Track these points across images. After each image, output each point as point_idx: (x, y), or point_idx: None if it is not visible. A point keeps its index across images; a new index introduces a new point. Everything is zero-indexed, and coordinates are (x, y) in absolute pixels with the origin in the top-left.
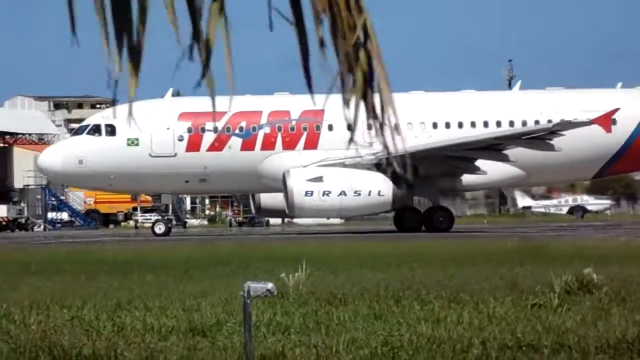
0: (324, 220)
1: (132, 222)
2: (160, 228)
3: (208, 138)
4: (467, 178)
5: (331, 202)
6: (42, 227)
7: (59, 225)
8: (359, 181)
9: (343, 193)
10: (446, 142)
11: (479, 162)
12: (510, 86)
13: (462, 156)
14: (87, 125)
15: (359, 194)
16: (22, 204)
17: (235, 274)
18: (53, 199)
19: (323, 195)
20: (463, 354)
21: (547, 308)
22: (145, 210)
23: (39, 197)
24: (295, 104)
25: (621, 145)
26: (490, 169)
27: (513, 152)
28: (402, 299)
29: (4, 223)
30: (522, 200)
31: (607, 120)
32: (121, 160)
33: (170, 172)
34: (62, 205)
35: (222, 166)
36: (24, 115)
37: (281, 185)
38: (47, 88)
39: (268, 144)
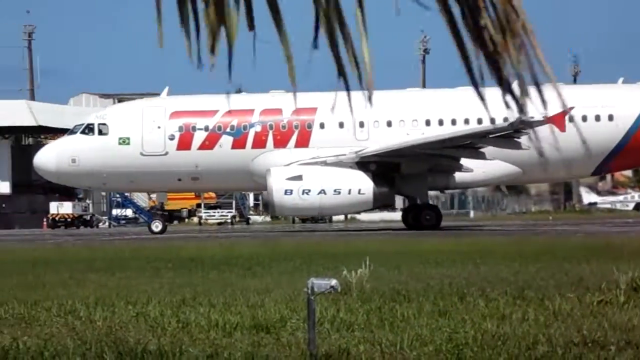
0: (387, 216)
1: (195, 219)
2: (157, 226)
3: (199, 137)
4: (460, 176)
5: (311, 200)
6: (106, 223)
7: (124, 222)
8: (338, 179)
9: (323, 192)
10: (420, 140)
11: (469, 161)
12: (575, 81)
13: (442, 154)
14: (82, 125)
15: (339, 193)
16: (87, 201)
17: (298, 270)
18: (117, 195)
19: (302, 193)
20: (528, 351)
21: (613, 305)
22: (209, 207)
23: (103, 194)
24: (288, 102)
25: (619, 141)
26: (485, 167)
27: (505, 150)
28: (467, 295)
29: (69, 220)
30: (588, 197)
31: (561, 119)
32: (113, 159)
33: (161, 171)
34: (126, 202)
35: (214, 164)
36: (87, 112)
37: None
38: (112, 85)
39: (259, 142)
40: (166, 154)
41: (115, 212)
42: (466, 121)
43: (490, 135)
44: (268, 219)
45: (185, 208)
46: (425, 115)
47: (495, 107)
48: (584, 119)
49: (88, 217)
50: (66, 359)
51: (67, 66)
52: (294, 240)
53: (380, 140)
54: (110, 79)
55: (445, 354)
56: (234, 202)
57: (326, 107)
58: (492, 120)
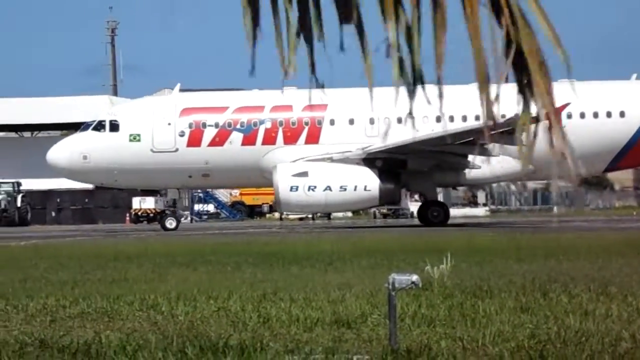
0: (470, 212)
1: (277, 214)
2: (171, 223)
3: (209, 133)
4: (471, 173)
5: (317, 197)
6: (188, 218)
7: (205, 217)
8: (344, 176)
9: (328, 188)
10: (424, 136)
11: (473, 157)
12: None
13: (447, 151)
14: (93, 122)
15: (345, 189)
16: (170, 196)
17: (379, 265)
18: (199, 191)
19: (308, 190)
20: (611, 348)
21: None
22: None
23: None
24: (298, 98)
25: (631, 137)
26: (495, 163)
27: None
28: (550, 291)
29: (151, 215)
30: None
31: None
32: (124, 156)
33: (172, 168)
34: (208, 197)
35: (224, 161)
36: None
37: None
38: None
39: (269, 139)
40: (176, 150)
41: (196, 207)
42: (477, 117)
43: (491, 132)
44: (349, 214)
45: (267, 203)
46: (436, 111)
47: (502, 104)
48: (595, 115)
49: (170, 212)
50: (148, 353)
51: (149, 62)
52: (374, 236)
53: (391, 137)
54: (192, 75)
55: (528, 350)
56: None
57: (337, 104)
58: (503, 117)
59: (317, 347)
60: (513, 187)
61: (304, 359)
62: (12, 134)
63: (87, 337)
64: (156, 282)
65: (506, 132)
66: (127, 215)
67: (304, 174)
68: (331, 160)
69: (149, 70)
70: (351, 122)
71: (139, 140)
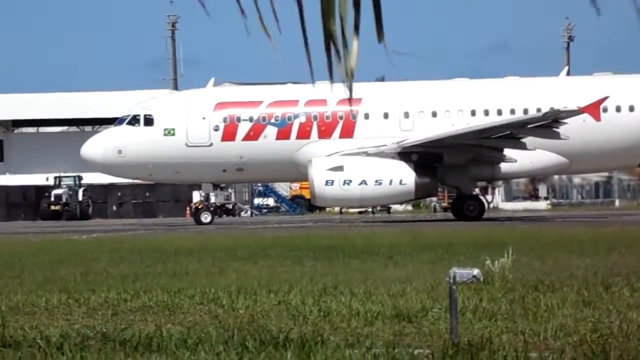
0: (531, 205)
1: (337, 208)
2: (205, 217)
3: (244, 127)
4: (506, 166)
5: (352, 191)
6: (248, 212)
7: (265, 210)
8: (380, 170)
9: (364, 182)
10: (461, 130)
11: (514, 151)
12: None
13: (483, 144)
14: (128, 116)
15: (380, 183)
16: (230, 190)
17: (439, 259)
18: (259, 185)
19: (344, 184)
20: None
21: None
22: None
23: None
24: (332, 92)
25: None
26: (531, 157)
27: (551, 140)
28: (612, 285)
29: (212, 209)
30: None
31: (595, 109)
32: (158, 151)
33: (206, 162)
34: (268, 191)
35: (258, 155)
36: None
37: None
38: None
39: (303, 133)
40: (211, 145)
41: (257, 201)
42: (512, 111)
43: (529, 125)
44: (409, 207)
45: None
46: (471, 105)
47: (538, 98)
48: (631, 109)
49: (230, 206)
50: (209, 346)
51: (210, 55)
52: (435, 229)
53: (425, 130)
54: (253, 68)
55: (590, 344)
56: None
57: (371, 98)
58: (538, 110)
59: (378, 341)
60: (575, 180)
61: (365, 353)
62: (74, 128)
63: (148, 330)
64: (217, 276)
65: (545, 126)
66: (188, 208)
67: (339, 168)
68: (366, 154)
69: (208, 64)
70: (385, 116)
71: (173, 135)
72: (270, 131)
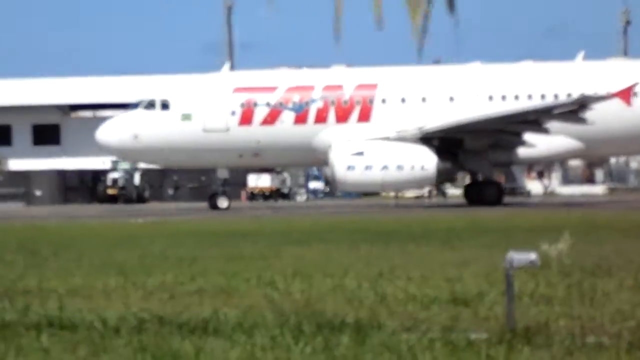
0: (588, 190)
1: (392, 193)
2: (222, 202)
3: (261, 112)
4: (523, 151)
5: (373, 176)
6: (304, 197)
7: (321, 195)
8: (401, 155)
9: (385, 167)
10: (485, 115)
11: (533, 136)
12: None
13: (505, 129)
14: (143, 100)
15: (402, 168)
16: (285, 174)
17: (496, 244)
18: (315, 168)
19: (365, 169)
20: None
21: None
22: None
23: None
24: (349, 77)
25: None
26: (548, 142)
27: (568, 124)
28: None
29: (267, 193)
30: None
31: (627, 94)
32: (175, 135)
33: (223, 147)
34: (322, 176)
35: (275, 140)
36: None
37: None
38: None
39: (321, 118)
40: (228, 130)
41: (312, 185)
42: (529, 97)
43: (555, 111)
44: None
45: None
46: (488, 90)
47: (560, 83)
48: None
49: (286, 190)
50: (265, 330)
51: (266, 39)
52: (491, 214)
53: (442, 115)
54: (309, 52)
55: None
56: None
57: (387, 83)
58: (556, 96)
59: (434, 325)
60: (633, 165)
61: (421, 338)
62: None
63: (205, 313)
64: (272, 260)
65: (571, 111)
66: (243, 192)
67: (361, 153)
68: (388, 139)
69: (264, 47)
70: (403, 100)
71: (190, 120)
72: (288, 116)
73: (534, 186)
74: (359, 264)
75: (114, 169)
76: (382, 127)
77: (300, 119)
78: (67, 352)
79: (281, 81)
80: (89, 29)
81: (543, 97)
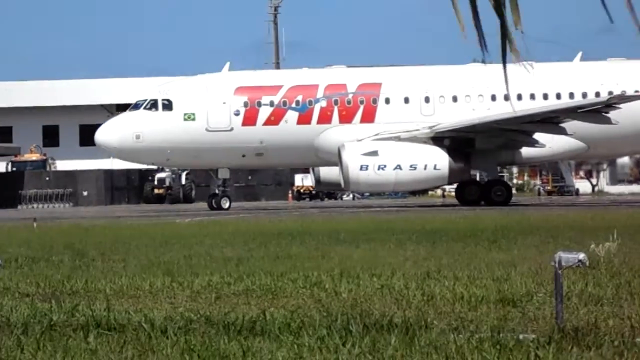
0: (636, 189)
1: (439, 191)
2: (224, 203)
3: (264, 112)
4: (526, 151)
5: (386, 176)
6: (350, 195)
7: (367, 194)
8: (414, 155)
9: (398, 167)
10: (502, 115)
11: (537, 135)
12: None
13: (519, 129)
14: (144, 100)
15: (415, 168)
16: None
17: (544, 243)
18: None
19: (378, 169)
20: None
21: None
22: None
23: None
24: (352, 77)
25: None
26: (550, 142)
27: (571, 124)
28: None
29: (314, 192)
30: None
31: None
32: (178, 135)
33: (226, 147)
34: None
35: (279, 140)
36: None
37: (336, 159)
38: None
39: (324, 118)
40: (231, 129)
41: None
42: (532, 96)
43: (580, 110)
44: (513, 191)
45: None
46: (491, 90)
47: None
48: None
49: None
50: (312, 330)
51: (313, 38)
52: (539, 213)
53: (446, 115)
54: (356, 51)
55: None
56: (477, 175)
57: (390, 82)
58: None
59: (482, 325)
60: None
61: (469, 338)
62: None
63: (251, 314)
64: (319, 260)
65: (596, 110)
66: (290, 192)
67: (374, 153)
68: (399, 139)
69: (311, 47)
70: (406, 100)
71: (193, 120)
72: (291, 116)
73: (582, 185)
74: (407, 263)
75: (160, 169)
76: (385, 127)
77: (304, 118)
78: (114, 353)
79: (284, 80)
80: (136, 29)
81: (545, 96)
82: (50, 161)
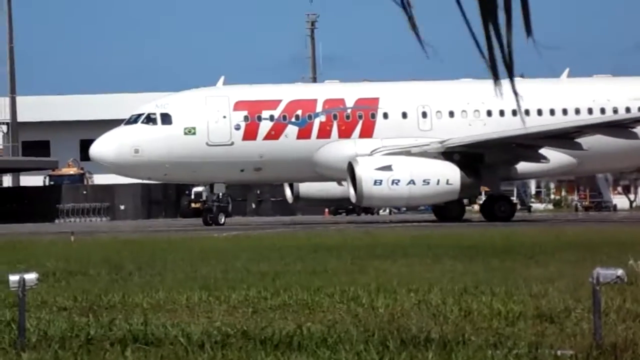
0: None
1: (476, 207)
2: (221, 218)
3: (265, 126)
4: (522, 166)
5: (400, 191)
6: (387, 210)
7: (404, 209)
8: (427, 170)
9: (412, 182)
10: (524, 130)
11: (542, 150)
12: None
13: (530, 144)
14: (141, 114)
15: (428, 183)
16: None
17: (582, 259)
18: None
19: (392, 184)
20: None
21: None
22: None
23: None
24: (350, 91)
25: None
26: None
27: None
28: None
29: (350, 207)
30: None
31: None
32: (178, 150)
33: (226, 161)
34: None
35: (278, 155)
36: None
37: (335, 174)
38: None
39: (324, 133)
40: (232, 144)
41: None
42: (527, 112)
43: (611, 126)
44: (550, 206)
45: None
46: (487, 106)
47: (541, 99)
48: (628, 110)
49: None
50: (350, 345)
51: (349, 53)
52: (577, 229)
53: (444, 131)
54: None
55: None
56: (515, 190)
57: (388, 97)
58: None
59: (520, 341)
60: None
61: (507, 354)
62: None
63: (288, 328)
64: (356, 274)
65: (619, 126)
66: (326, 207)
67: (387, 168)
68: (409, 153)
69: (348, 61)
70: (404, 115)
71: (194, 134)
72: (292, 130)
73: (620, 201)
74: (444, 279)
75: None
76: (383, 142)
77: (304, 133)
78: None
79: (282, 95)
80: (174, 44)
81: (539, 112)
82: (87, 175)
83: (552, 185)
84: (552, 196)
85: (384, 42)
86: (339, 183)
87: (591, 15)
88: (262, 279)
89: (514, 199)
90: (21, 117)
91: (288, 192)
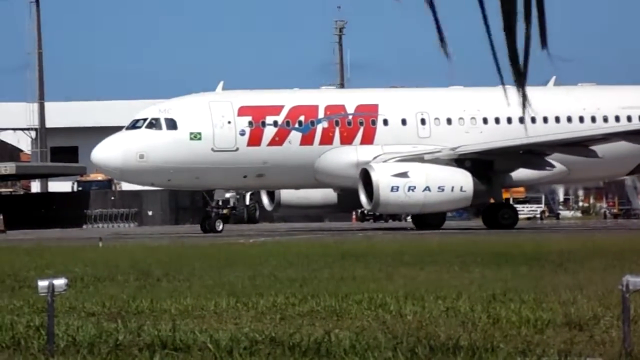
0: None
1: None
2: (218, 225)
3: (269, 132)
4: (516, 174)
5: (416, 197)
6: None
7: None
8: (442, 176)
9: (427, 189)
10: (540, 138)
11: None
12: None
13: (539, 152)
14: (145, 119)
15: (443, 190)
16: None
17: (611, 267)
18: None
19: (408, 190)
20: None
21: None
22: (517, 202)
23: None
24: (349, 98)
25: None
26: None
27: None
28: None
29: (377, 213)
30: None
31: None
32: (183, 155)
33: (230, 167)
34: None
35: (281, 161)
36: None
37: (335, 181)
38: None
39: (326, 139)
40: (237, 149)
41: None
42: (520, 120)
43: (630, 133)
44: (578, 214)
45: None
46: (483, 113)
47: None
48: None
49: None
50: (378, 352)
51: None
52: (606, 236)
53: (442, 138)
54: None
55: None
56: (543, 197)
57: (387, 104)
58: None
59: (549, 349)
60: None
61: None
62: None
63: (316, 335)
64: (384, 281)
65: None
66: (354, 213)
67: (404, 175)
68: (422, 160)
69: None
70: (403, 122)
71: (199, 139)
72: (295, 136)
73: None
74: (472, 286)
75: (225, 190)
76: (384, 148)
77: (307, 139)
78: None
79: (285, 101)
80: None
81: (533, 120)
82: (115, 181)
83: (580, 193)
84: (580, 204)
85: (412, 48)
86: (335, 190)
87: (576, 23)
88: (290, 286)
89: (542, 206)
90: (49, 123)
91: (265, 200)
